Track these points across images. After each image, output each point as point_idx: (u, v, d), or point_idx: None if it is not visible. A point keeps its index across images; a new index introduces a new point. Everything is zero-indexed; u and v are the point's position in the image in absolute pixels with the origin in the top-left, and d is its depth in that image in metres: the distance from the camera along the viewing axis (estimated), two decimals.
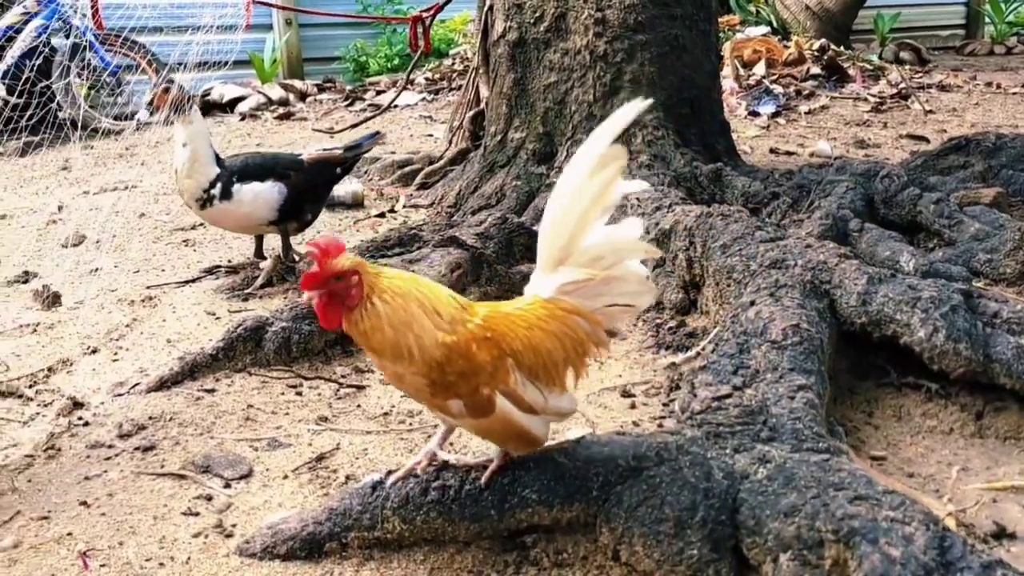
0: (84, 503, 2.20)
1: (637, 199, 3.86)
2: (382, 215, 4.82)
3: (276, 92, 8.75)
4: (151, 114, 3.49)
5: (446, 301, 1.79)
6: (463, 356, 1.75)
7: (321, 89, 9.18)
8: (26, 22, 7.48)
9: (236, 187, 3.62)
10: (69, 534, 2.08)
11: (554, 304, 1.85)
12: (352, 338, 1.78)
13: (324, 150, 4.13)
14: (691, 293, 3.34)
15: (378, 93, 8.35)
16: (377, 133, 4.42)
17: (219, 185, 3.59)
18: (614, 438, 2.05)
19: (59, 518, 2.15)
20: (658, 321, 3.31)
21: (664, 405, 2.69)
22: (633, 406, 2.71)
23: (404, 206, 4.98)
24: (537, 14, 4.51)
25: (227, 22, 4.34)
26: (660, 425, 2.53)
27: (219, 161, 3.67)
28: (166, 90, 3.58)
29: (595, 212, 1.79)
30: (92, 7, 4.42)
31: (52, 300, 3.47)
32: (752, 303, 2.57)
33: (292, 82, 9.23)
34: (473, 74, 5.29)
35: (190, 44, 4.71)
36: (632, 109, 1.76)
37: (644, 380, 2.88)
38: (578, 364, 1.89)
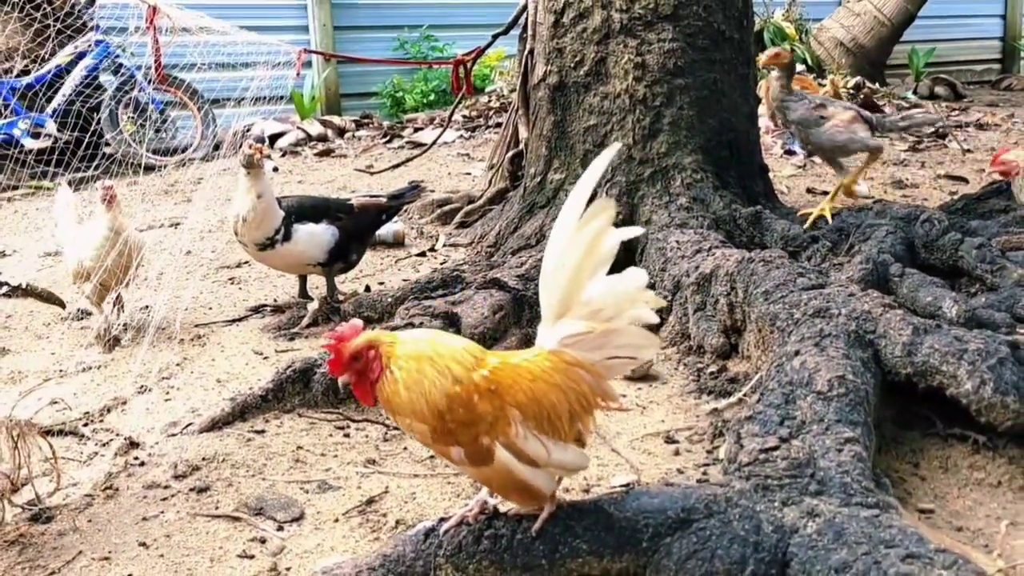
0: (143, 544, 2.27)
1: (677, 241, 3.90)
2: (423, 254, 4.90)
3: (315, 128, 8.93)
4: (247, 169, 3.61)
5: (459, 356, 1.87)
6: (464, 406, 1.82)
7: (359, 125, 9.34)
8: (76, 61, 7.72)
9: (295, 227, 3.73)
10: (129, 575, 2.13)
11: (558, 356, 1.89)
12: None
13: (371, 196, 4.22)
14: (732, 337, 3.36)
15: (416, 130, 8.48)
16: (418, 186, 4.52)
17: (282, 228, 3.70)
18: (664, 489, 2.08)
19: (120, 559, 2.21)
20: (699, 365, 3.34)
21: (708, 452, 2.71)
22: (677, 452, 2.73)
23: (444, 245, 5.05)
24: (578, 58, 4.58)
25: (280, 60, 4.48)
26: (704, 473, 2.55)
27: (279, 202, 3.79)
28: (260, 140, 3.69)
29: (589, 263, 1.84)
30: (155, 57, 4.54)
31: (113, 343, 3.55)
32: (797, 352, 2.59)
33: (331, 118, 9.41)
34: (512, 115, 5.37)
35: (244, 83, 4.87)
36: (606, 157, 1.83)
37: (687, 426, 2.90)
38: (583, 416, 1.91)
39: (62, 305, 2.84)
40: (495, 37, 5.54)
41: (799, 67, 8.88)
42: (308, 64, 10.10)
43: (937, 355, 2.48)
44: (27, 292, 2.63)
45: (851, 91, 8.12)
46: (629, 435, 2.86)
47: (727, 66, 4.58)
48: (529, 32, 4.99)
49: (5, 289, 2.64)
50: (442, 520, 2.05)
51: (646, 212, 4.26)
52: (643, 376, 3.31)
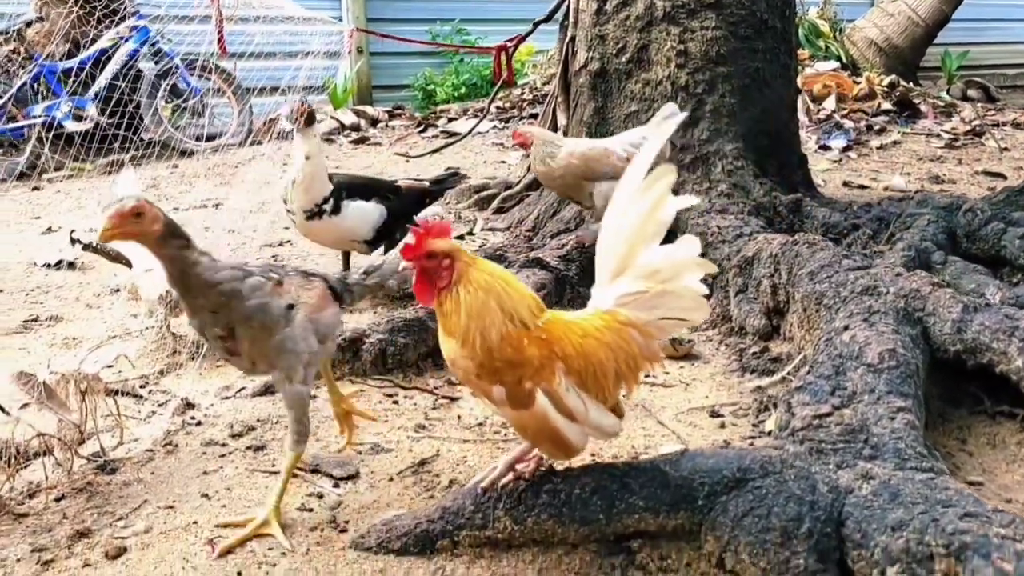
0: (205, 495, 2.33)
1: (718, 227, 3.93)
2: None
3: (348, 118, 9.01)
4: (291, 123, 3.68)
5: (526, 300, 1.91)
6: (514, 346, 1.85)
7: (391, 116, 9.42)
8: (117, 47, 7.84)
9: (344, 203, 3.78)
10: (195, 522, 2.20)
11: (611, 316, 1.93)
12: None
13: (416, 180, 4.28)
14: (774, 319, 3.39)
15: (450, 120, 8.55)
16: (459, 172, 4.57)
17: (331, 200, 3.76)
18: (718, 451, 2.12)
19: (183, 508, 2.27)
20: (741, 346, 3.36)
21: (753, 426, 2.74)
22: (722, 426, 2.76)
23: (481, 229, 5.10)
24: (620, 45, 4.62)
25: (329, 47, 4.54)
26: (751, 444, 2.58)
27: (329, 177, 3.85)
28: (302, 103, 3.75)
29: (649, 226, 1.89)
30: (218, 37, 4.62)
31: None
32: (846, 327, 2.62)
33: (363, 108, 9.49)
34: (551, 102, 5.42)
35: (287, 71, 4.94)
36: (672, 124, 1.89)
37: (731, 402, 2.93)
38: (628, 377, 1.95)
39: (128, 264, 2.92)
40: (536, 25, 5.59)
41: (834, 64, 8.88)
42: (335, 54, 10.21)
43: (987, 332, 2.50)
44: (96, 250, 2.71)
45: (886, 88, 8.11)
46: (674, 409, 2.90)
47: (769, 55, 4.60)
48: (571, 20, 5.03)
49: (79, 246, 2.71)
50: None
51: None
52: (685, 355, 3.35)
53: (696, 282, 1.92)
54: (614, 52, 4.65)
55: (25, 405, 2.37)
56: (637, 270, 1.92)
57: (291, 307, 2.18)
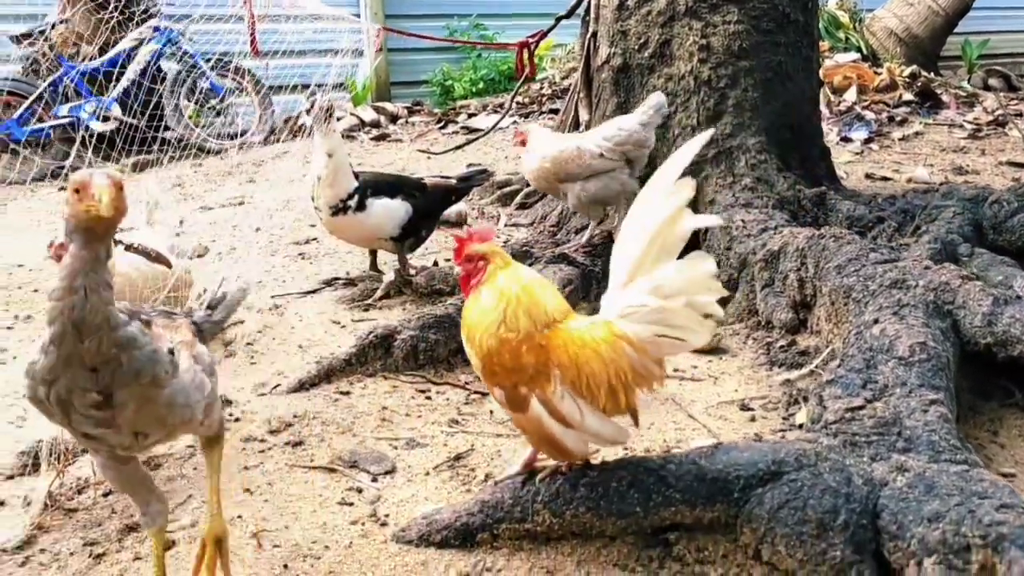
0: (247, 490, 2.38)
1: (743, 221, 3.95)
2: None
3: (368, 114, 9.05)
4: (314, 122, 3.72)
5: (535, 310, 1.96)
6: (510, 353, 1.93)
7: (411, 112, 9.45)
8: (140, 47, 7.92)
9: (370, 200, 3.83)
10: (239, 516, 2.25)
11: (609, 328, 1.95)
12: None
13: (442, 177, 4.32)
14: (801, 312, 3.41)
15: (470, 116, 8.57)
16: (486, 170, 4.61)
17: (356, 197, 3.80)
18: (752, 444, 2.15)
19: (227, 502, 2.31)
20: (768, 339, 3.39)
21: (784, 419, 2.76)
22: (752, 419, 2.79)
23: (505, 224, 5.14)
24: (642, 40, 4.63)
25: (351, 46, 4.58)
26: (783, 436, 2.60)
27: (355, 175, 3.89)
28: (323, 101, 3.80)
29: (662, 239, 1.89)
30: (251, 36, 4.67)
31: (145, 252, 3.62)
32: (875, 321, 2.64)
33: (383, 104, 9.53)
34: (573, 97, 5.43)
35: (308, 69, 4.99)
36: (698, 143, 1.88)
37: (760, 395, 2.96)
38: (619, 391, 1.94)
39: (168, 265, 2.97)
40: (558, 20, 5.60)
41: (854, 55, 8.84)
42: (360, 53, 10.24)
43: (1018, 325, 2.52)
44: (137, 251, 2.76)
45: (907, 79, 8.07)
46: (703, 403, 2.93)
47: (791, 49, 4.60)
48: (592, 15, 5.03)
49: (121, 247, 2.77)
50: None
51: (710, 192, 4.30)
52: (713, 349, 3.37)
53: (706, 301, 1.89)
54: (636, 47, 4.66)
55: None
56: (644, 282, 1.92)
57: (171, 352, 1.73)
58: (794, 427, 2.69)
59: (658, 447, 2.60)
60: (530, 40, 5.60)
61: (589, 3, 5.12)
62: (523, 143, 4.09)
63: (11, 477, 2.51)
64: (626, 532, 2.05)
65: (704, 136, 1.91)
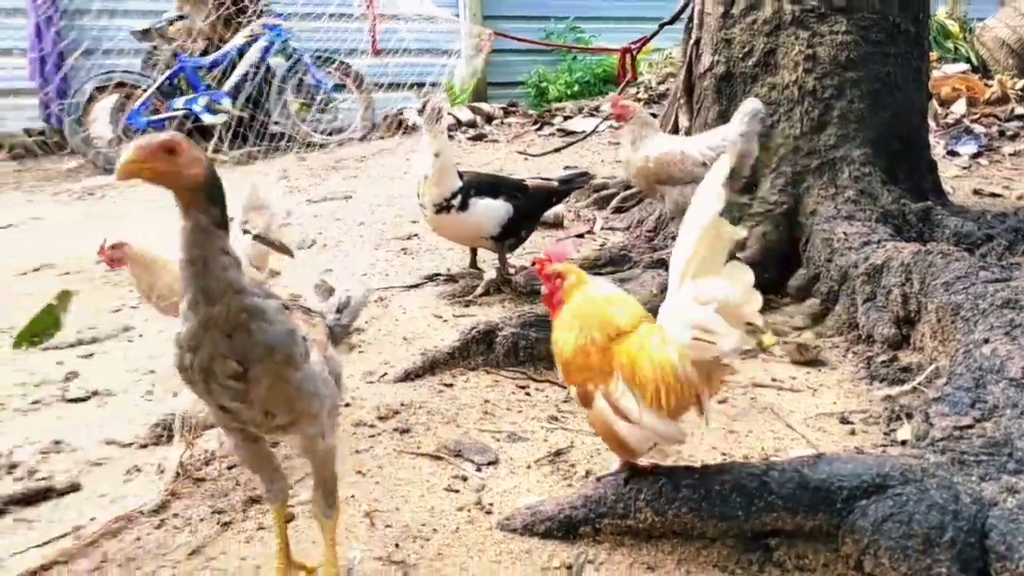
0: (360, 472, 2.51)
1: (844, 233, 3.93)
2: (581, 235, 5.06)
3: (465, 115, 9.21)
4: (424, 121, 3.85)
5: (605, 321, 2.14)
6: (582, 355, 2.13)
7: (506, 113, 9.58)
8: (250, 44, 8.25)
9: (472, 200, 3.94)
10: (352, 496, 2.38)
11: (660, 332, 2.05)
12: None
13: (544, 179, 4.40)
14: (903, 328, 3.38)
15: (565, 118, 8.65)
16: (586, 173, 4.67)
17: (459, 196, 3.92)
18: (855, 456, 2.17)
19: (341, 483, 2.43)
20: (868, 354, 3.37)
21: (885, 434, 2.75)
22: (853, 433, 2.79)
23: (601, 228, 5.20)
24: (746, 49, 4.63)
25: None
26: (884, 452, 2.60)
27: (459, 175, 4.01)
28: (429, 99, 3.93)
29: (704, 248, 1.94)
30: (371, 37, 4.86)
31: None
32: (986, 340, 2.61)
33: (479, 105, 9.68)
34: (673, 104, 5.46)
35: (412, 68, 5.14)
36: (722, 168, 1.95)
37: (860, 409, 2.95)
38: (661, 391, 2.02)
39: (291, 254, 3.13)
40: (661, 26, 5.64)
41: (963, 66, 8.59)
42: (458, 54, 10.44)
43: None
44: (261, 240, 2.93)
45: (1020, 93, 7.80)
46: (802, 414, 2.94)
47: (901, 59, 4.53)
48: (696, 22, 5.05)
49: (250, 236, 2.94)
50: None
51: (811, 203, 4.27)
52: (811, 361, 3.37)
53: (743, 310, 1.94)
54: (740, 56, 4.66)
55: None
56: (689, 288, 1.98)
57: (305, 339, 1.79)
58: (896, 443, 2.68)
59: (756, 455, 2.63)
60: (632, 46, 5.63)
61: (693, 10, 5.14)
62: (620, 116, 4.04)
63: (144, 446, 2.70)
64: (726, 535, 2.10)
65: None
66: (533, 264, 2.12)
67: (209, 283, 1.59)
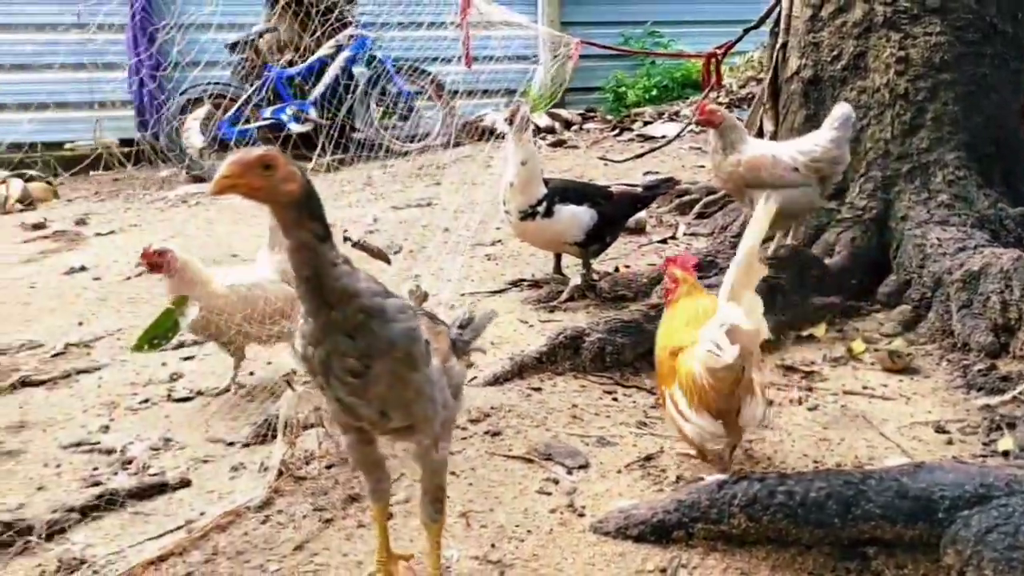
0: (453, 473, 2.57)
1: (938, 239, 3.85)
2: (664, 241, 5.06)
3: (544, 120, 9.26)
4: (511, 128, 3.93)
5: (689, 328, 2.45)
6: (661, 360, 2.57)
7: (585, 118, 9.60)
8: (336, 54, 8.46)
9: (557, 207, 3.99)
10: (447, 497, 2.43)
11: (695, 346, 2.36)
12: None
13: (628, 185, 4.42)
14: (1002, 336, 3.29)
15: (645, 124, 8.63)
16: (671, 179, 4.68)
17: (544, 203, 3.98)
18: (956, 466, 2.14)
19: None
20: (965, 362, 3.29)
21: (984, 444, 2.70)
22: (949, 442, 2.74)
23: (684, 233, 5.18)
24: (835, 52, 4.57)
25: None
26: (984, 462, 2.55)
27: (544, 181, 4.07)
28: (518, 108, 3.99)
29: (738, 280, 2.27)
30: (464, 47, 4.96)
31: (423, 297, 3.93)
32: None
33: (558, 111, 9.72)
34: (758, 109, 5.41)
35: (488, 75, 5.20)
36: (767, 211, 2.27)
37: (957, 418, 2.90)
38: (695, 394, 2.34)
39: (388, 261, 3.23)
40: (746, 31, 5.59)
41: None
42: (536, 60, 10.49)
43: None
44: (361, 247, 3.02)
45: None
46: (895, 423, 2.89)
47: (997, 61, 4.41)
48: (783, 26, 5.00)
49: (349, 243, 3.04)
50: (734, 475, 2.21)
51: (902, 208, 4.19)
52: (903, 369, 3.31)
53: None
54: (828, 59, 4.60)
55: (307, 382, 2.71)
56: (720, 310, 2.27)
57: (428, 344, 1.81)
58: (996, 453, 2.62)
59: (849, 463, 2.60)
60: (717, 51, 5.61)
61: (779, 14, 5.09)
62: (708, 123, 4.01)
63: (247, 445, 2.82)
64: (822, 542, 2.09)
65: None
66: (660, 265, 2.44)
67: (324, 292, 1.63)
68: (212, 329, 3.01)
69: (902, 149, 4.32)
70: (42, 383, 3.48)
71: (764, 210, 2.28)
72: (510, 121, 3.96)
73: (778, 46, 5.03)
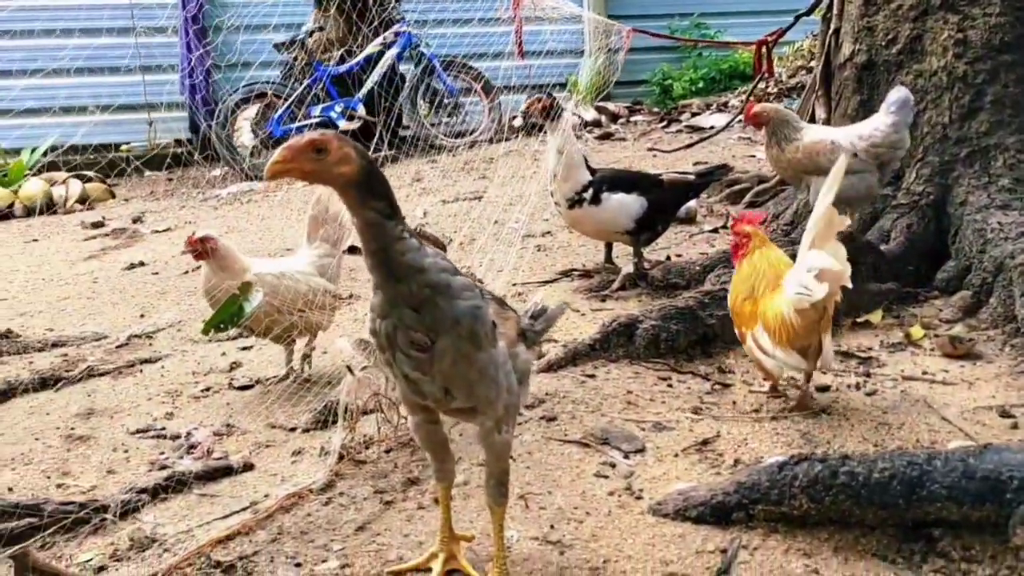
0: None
1: (999, 223, 3.77)
2: (715, 230, 5.02)
3: (590, 114, 9.25)
4: (525, 120, 3.96)
5: (759, 280, 2.80)
6: (737, 304, 2.88)
7: (631, 111, 9.57)
8: (383, 52, 8.53)
9: (605, 194, 4.00)
10: None
11: (782, 290, 2.70)
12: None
13: (680, 173, 4.41)
14: None
15: (693, 115, 8.57)
16: (725, 166, 4.65)
17: (591, 190, 3.99)
18: None
19: None
20: None
21: None
22: (1015, 426, 2.69)
23: None
24: (890, 36, 4.50)
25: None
26: None
27: (590, 169, 4.07)
28: (538, 99, 4.01)
29: (819, 231, 2.60)
30: (518, 41, 4.99)
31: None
32: None
33: (604, 104, 9.71)
34: (810, 96, 5.34)
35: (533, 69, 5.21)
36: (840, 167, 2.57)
37: (1022, 403, 2.84)
38: (780, 332, 2.68)
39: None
40: (797, 18, 5.53)
41: None
42: (582, 53, 10.47)
43: None
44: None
45: None
46: (958, 407, 2.84)
47: None
48: (835, 12, 4.94)
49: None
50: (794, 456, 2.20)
51: (961, 193, 4.11)
52: (964, 354, 3.25)
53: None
54: (883, 43, 4.53)
55: (365, 367, 2.75)
56: (804, 258, 2.63)
57: (494, 325, 1.82)
58: None
59: (910, 447, 2.56)
60: (768, 39, 5.55)
61: (831, 0, 5.03)
62: (756, 124, 3.99)
63: (307, 431, 2.88)
64: (886, 523, 2.07)
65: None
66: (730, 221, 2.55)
67: (392, 267, 1.67)
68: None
69: (960, 133, 4.23)
70: (108, 373, 3.59)
71: (838, 165, 2.57)
72: (545, 114, 3.97)
73: (830, 32, 4.97)
